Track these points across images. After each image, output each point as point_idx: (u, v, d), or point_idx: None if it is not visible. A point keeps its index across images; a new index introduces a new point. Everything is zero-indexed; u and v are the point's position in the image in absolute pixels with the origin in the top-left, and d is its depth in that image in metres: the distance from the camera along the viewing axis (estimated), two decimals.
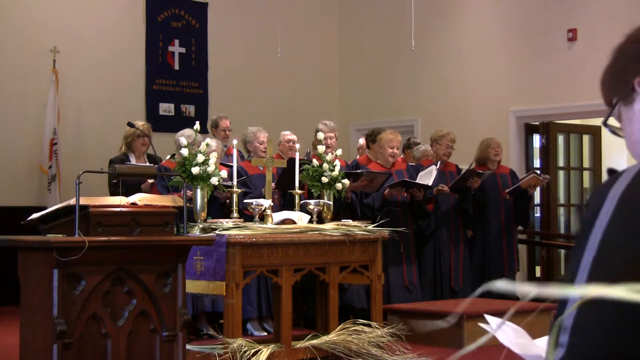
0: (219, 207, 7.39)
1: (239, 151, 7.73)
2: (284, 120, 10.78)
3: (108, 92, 10.34)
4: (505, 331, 1.55)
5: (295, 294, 7.00)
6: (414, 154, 9.19)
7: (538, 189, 9.68)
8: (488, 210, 8.75)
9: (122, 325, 4.35)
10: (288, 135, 8.20)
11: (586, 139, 10.88)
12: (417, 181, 7.98)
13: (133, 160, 7.28)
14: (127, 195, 4.57)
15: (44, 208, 5.21)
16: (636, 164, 1.32)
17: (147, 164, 7.29)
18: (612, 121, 1.53)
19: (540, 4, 10.40)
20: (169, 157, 7.56)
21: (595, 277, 1.24)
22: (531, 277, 10.45)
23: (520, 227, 9.36)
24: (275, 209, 6.88)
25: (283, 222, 6.13)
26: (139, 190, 6.46)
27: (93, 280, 4.25)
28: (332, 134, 8.12)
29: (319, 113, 10.77)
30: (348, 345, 6.04)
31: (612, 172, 1.40)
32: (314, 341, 6.06)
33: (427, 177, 8.03)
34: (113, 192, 7.04)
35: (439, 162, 8.23)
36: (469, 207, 8.61)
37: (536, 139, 10.75)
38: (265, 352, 5.68)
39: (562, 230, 10.61)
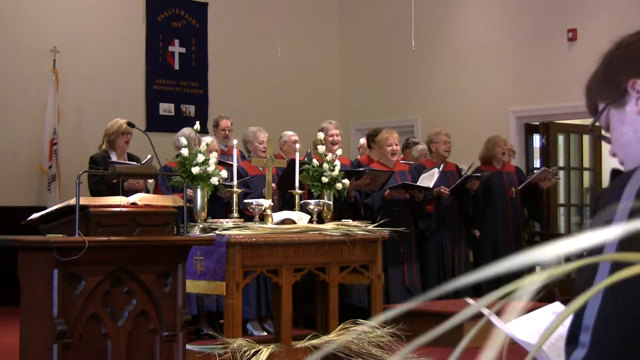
0: (223, 206, 7.37)
1: (239, 151, 7.72)
2: (284, 120, 10.77)
3: (108, 92, 10.33)
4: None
5: (295, 294, 6.99)
6: (412, 153, 9.19)
7: None
8: (495, 209, 8.68)
9: (122, 325, 4.35)
10: (293, 135, 8.22)
11: (586, 139, 10.87)
12: (418, 183, 7.97)
13: (114, 158, 7.13)
14: (109, 195, 4.56)
15: (44, 208, 5.21)
16: None
17: (127, 162, 7.20)
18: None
19: (540, 4, 10.40)
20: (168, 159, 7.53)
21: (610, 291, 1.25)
22: None
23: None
24: (275, 209, 6.88)
25: (283, 222, 6.13)
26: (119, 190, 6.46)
27: (93, 280, 4.24)
28: (337, 131, 8.24)
29: (319, 113, 10.77)
30: (348, 345, 6.04)
31: (616, 172, 1.41)
32: (314, 341, 6.06)
33: (429, 179, 8.01)
34: (95, 191, 6.96)
35: (441, 165, 8.19)
36: (467, 208, 8.59)
37: (536, 139, 10.75)
38: (265, 352, 5.68)
39: (562, 230, 10.60)
